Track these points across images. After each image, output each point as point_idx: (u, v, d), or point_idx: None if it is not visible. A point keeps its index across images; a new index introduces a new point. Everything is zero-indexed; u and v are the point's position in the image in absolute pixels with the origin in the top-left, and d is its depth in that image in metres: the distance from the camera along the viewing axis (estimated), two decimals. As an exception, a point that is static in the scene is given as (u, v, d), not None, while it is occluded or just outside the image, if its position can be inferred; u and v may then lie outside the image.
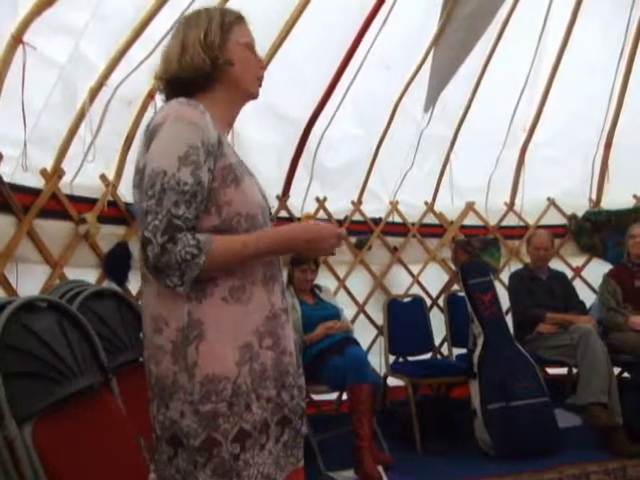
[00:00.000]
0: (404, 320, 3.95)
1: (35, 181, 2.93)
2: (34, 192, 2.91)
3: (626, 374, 3.75)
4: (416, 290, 4.38)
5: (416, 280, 4.44)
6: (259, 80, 1.35)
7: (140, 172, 1.20)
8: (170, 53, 1.28)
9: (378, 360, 3.84)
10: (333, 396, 3.76)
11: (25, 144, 2.70)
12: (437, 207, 4.59)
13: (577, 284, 4.33)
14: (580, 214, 4.71)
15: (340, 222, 4.25)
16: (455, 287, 4.39)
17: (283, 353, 1.25)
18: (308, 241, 1.24)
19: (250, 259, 1.19)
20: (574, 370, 3.71)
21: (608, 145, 4.63)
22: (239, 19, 1.33)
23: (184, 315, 1.16)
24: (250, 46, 1.33)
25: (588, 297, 4.17)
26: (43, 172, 2.97)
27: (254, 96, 1.36)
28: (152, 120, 1.22)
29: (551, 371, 4.02)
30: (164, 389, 1.17)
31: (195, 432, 1.14)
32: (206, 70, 1.25)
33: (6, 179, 2.71)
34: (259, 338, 1.20)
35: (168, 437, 1.17)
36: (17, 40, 2.50)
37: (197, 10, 1.33)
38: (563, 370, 3.92)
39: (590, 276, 4.55)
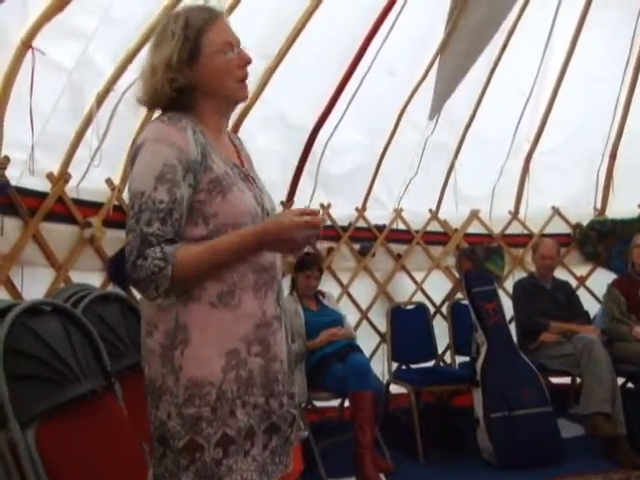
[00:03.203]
0: (407, 327, 3.94)
1: (42, 185, 2.95)
2: (40, 196, 2.93)
3: (630, 384, 3.73)
4: (419, 297, 4.37)
5: (420, 287, 4.43)
6: (242, 81, 1.29)
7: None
8: (144, 76, 1.27)
9: (381, 367, 3.83)
10: (335, 403, 3.75)
11: (32, 148, 2.73)
12: (441, 215, 4.58)
13: (581, 293, 4.32)
14: (585, 223, 4.70)
15: (344, 228, 4.26)
16: (459, 295, 4.38)
17: (273, 360, 1.25)
18: (280, 232, 1.18)
19: (225, 261, 1.19)
20: (577, 380, 3.69)
21: (613, 155, 4.63)
22: (209, 21, 1.26)
23: (172, 319, 1.19)
24: (225, 47, 1.26)
25: (592, 306, 4.15)
26: (50, 176, 2.99)
27: (239, 100, 1.33)
28: (135, 141, 1.25)
29: (554, 380, 4.00)
30: (154, 390, 1.20)
31: (179, 434, 1.16)
32: (170, 96, 1.24)
33: (13, 182, 2.73)
34: (247, 345, 1.21)
35: (158, 437, 1.20)
36: (26, 45, 2.53)
37: (164, 23, 1.28)
38: (567, 380, 3.90)
39: (594, 285, 4.52)
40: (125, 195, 3.31)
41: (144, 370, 1.24)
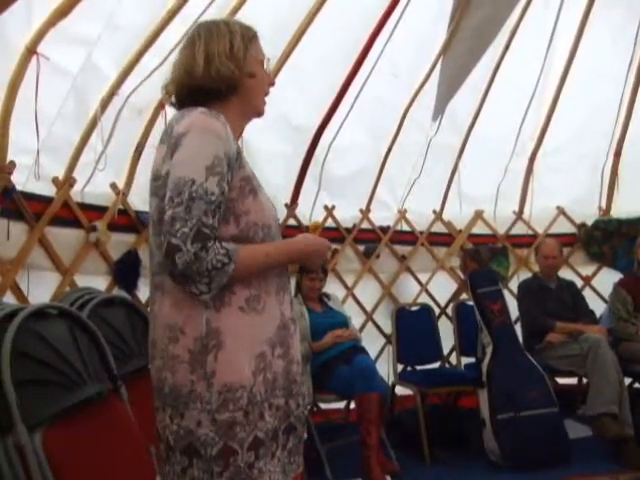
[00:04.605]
0: (412, 329, 3.94)
1: (47, 189, 2.97)
2: (46, 200, 2.95)
3: (637, 385, 3.71)
4: (424, 299, 4.36)
5: (424, 289, 4.43)
6: (265, 96, 1.39)
7: (160, 179, 1.21)
8: (192, 63, 1.27)
9: (386, 369, 3.82)
10: (341, 405, 3.74)
11: (38, 153, 2.74)
12: (445, 215, 4.58)
13: (587, 293, 4.29)
14: (590, 223, 4.68)
15: (348, 230, 4.26)
16: (464, 296, 4.37)
17: (292, 362, 1.27)
18: (312, 252, 1.32)
19: (269, 269, 1.24)
20: (584, 380, 3.67)
21: (618, 153, 4.61)
22: (255, 36, 1.36)
23: (202, 324, 1.16)
24: (263, 62, 1.36)
25: (598, 306, 4.13)
26: (55, 180, 3.00)
27: (260, 113, 1.39)
28: (172, 127, 1.22)
29: (561, 381, 3.98)
30: (179, 398, 1.17)
31: (212, 441, 1.15)
32: (233, 80, 1.28)
33: (19, 187, 2.75)
34: (272, 347, 1.22)
35: (183, 447, 1.17)
36: (31, 51, 2.55)
37: (213, 21, 1.34)
38: (573, 380, 3.88)
39: (600, 285, 4.51)
40: (129, 199, 3.33)
41: (163, 377, 1.19)
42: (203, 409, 1.15)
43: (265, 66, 1.37)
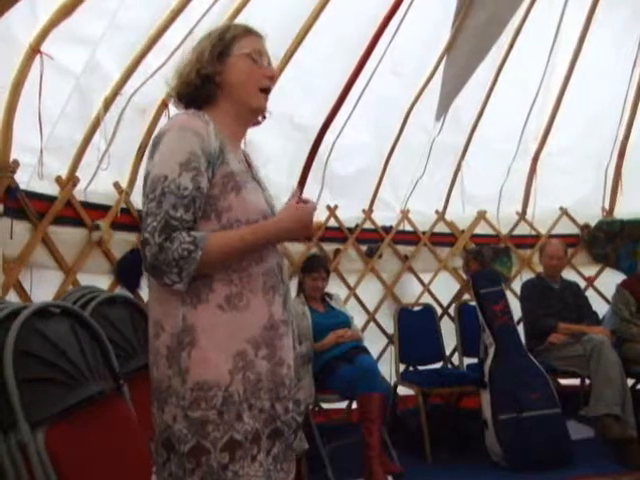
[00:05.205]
0: (415, 329, 3.93)
1: (50, 188, 2.98)
2: (49, 199, 2.95)
3: (640, 386, 3.70)
4: (427, 299, 4.36)
5: (427, 289, 4.42)
6: (263, 91, 1.34)
7: (145, 179, 1.24)
8: (179, 71, 1.35)
9: (388, 369, 3.82)
10: (343, 405, 3.75)
11: (41, 152, 2.75)
12: (448, 216, 4.57)
13: (590, 294, 4.29)
14: (593, 223, 4.67)
15: (351, 230, 4.26)
16: (466, 296, 4.36)
17: (279, 364, 1.24)
18: (295, 225, 1.26)
19: (249, 252, 1.22)
20: (587, 381, 3.66)
21: (621, 154, 4.60)
22: (245, 32, 1.34)
23: (179, 320, 1.18)
24: (252, 56, 1.32)
25: (601, 307, 4.12)
26: (58, 179, 3.01)
27: (258, 109, 1.35)
28: (158, 130, 1.28)
29: (563, 382, 3.97)
30: (160, 392, 1.19)
31: (185, 437, 1.15)
32: (195, 84, 1.30)
33: (22, 186, 2.75)
34: (255, 347, 1.20)
35: (162, 440, 1.19)
36: (35, 50, 2.55)
37: (209, 31, 1.37)
38: (576, 381, 3.87)
39: (603, 286, 4.50)
40: (133, 198, 3.33)
41: (150, 372, 1.24)
42: (178, 405, 1.16)
43: (256, 58, 1.32)
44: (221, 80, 1.30)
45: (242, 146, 1.44)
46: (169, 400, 1.17)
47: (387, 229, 4.38)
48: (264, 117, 1.43)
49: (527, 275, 4.34)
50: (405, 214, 4.44)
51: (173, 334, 1.18)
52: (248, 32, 1.35)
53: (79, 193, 3.10)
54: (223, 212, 1.21)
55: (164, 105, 3.19)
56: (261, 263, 1.24)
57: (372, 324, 4.23)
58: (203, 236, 1.15)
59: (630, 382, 3.39)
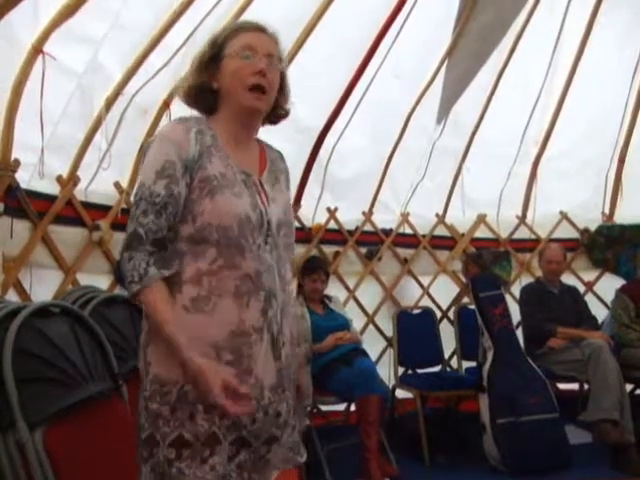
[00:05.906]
0: (414, 332, 3.93)
1: (51, 188, 2.98)
2: (50, 198, 2.96)
3: (638, 391, 3.70)
4: (426, 302, 4.36)
5: (426, 292, 4.42)
6: (252, 89, 1.27)
7: None
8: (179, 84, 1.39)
9: (387, 372, 3.82)
10: (341, 407, 3.74)
11: (42, 151, 2.75)
12: (448, 219, 4.57)
13: (589, 299, 4.29)
14: (593, 228, 4.67)
15: (351, 232, 4.26)
16: (465, 299, 4.36)
17: (246, 373, 1.20)
18: (195, 374, 1.15)
19: (159, 335, 1.20)
20: (585, 386, 3.66)
21: (622, 159, 4.61)
22: (235, 30, 1.32)
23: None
24: (241, 54, 1.28)
25: (600, 312, 4.13)
26: (59, 179, 3.01)
27: (249, 109, 1.30)
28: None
29: (562, 386, 3.97)
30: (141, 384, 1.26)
31: (143, 427, 1.21)
32: (194, 93, 1.33)
33: (23, 185, 2.76)
34: (217, 352, 1.19)
35: (137, 426, 1.25)
36: (37, 50, 2.56)
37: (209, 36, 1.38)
38: (574, 386, 3.87)
39: (602, 291, 4.50)
40: (133, 198, 3.34)
41: None
42: (143, 395, 1.22)
43: (247, 54, 1.27)
44: (218, 86, 1.31)
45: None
46: (141, 389, 1.24)
47: (387, 232, 4.38)
48: (281, 116, 1.48)
49: (526, 279, 4.33)
50: (405, 217, 4.44)
51: (146, 331, 1.26)
52: (239, 29, 1.32)
53: (80, 193, 3.11)
54: (198, 216, 1.23)
55: (165, 105, 3.19)
56: (234, 270, 1.21)
57: (371, 327, 4.23)
58: (152, 278, 1.18)
59: (629, 387, 3.39)
